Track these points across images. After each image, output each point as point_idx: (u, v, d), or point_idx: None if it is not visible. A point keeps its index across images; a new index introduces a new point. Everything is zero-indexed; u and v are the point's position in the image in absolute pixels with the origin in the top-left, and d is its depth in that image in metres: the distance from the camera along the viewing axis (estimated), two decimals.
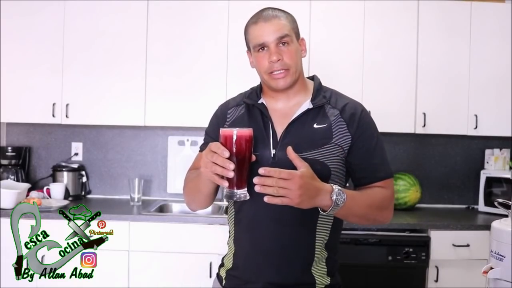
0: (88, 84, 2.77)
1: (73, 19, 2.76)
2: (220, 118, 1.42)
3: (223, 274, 1.40)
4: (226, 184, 1.14)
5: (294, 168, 1.15)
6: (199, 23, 2.76)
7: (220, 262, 1.45)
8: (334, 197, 1.15)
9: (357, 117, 1.31)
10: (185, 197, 1.42)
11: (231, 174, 1.11)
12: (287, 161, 1.19)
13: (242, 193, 1.16)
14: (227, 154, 1.11)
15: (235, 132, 1.13)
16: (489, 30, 2.78)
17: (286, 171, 1.09)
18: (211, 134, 1.41)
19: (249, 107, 1.38)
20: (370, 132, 1.33)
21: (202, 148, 1.43)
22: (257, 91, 1.40)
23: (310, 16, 2.73)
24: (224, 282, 1.39)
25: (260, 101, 1.37)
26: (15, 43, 2.77)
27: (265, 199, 1.08)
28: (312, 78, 1.42)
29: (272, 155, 1.29)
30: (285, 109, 1.35)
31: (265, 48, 1.30)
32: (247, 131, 1.15)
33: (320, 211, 1.18)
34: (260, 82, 1.41)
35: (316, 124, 1.30)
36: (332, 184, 1.17)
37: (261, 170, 1.08)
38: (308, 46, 2.72)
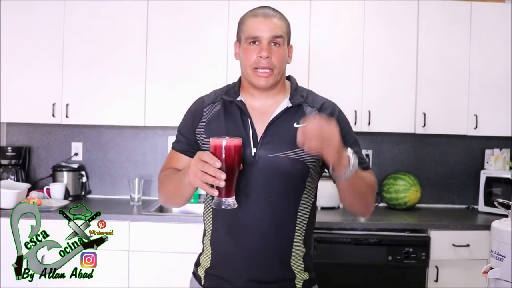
0: (88, 84, 2.77)
1: (73, 19, 2.76)
2: (196, 115, 1.39)
3: (201, 273, 1.38)
4: (216, 193, 1.15)
5: (275, 167, 1.24)
6: (199, 22, 2.76)
7: (195, 260, 1.43)
8: (352, 160, 1.17)
9: (336, 116, 1.35)
10: (160, 196, 1.42)
11: (222, 184, 1.13)
12: (268, 159, 1.26)
13: (230, 201, 1.18)
14: (219, 164, 1.12)
15: (225, 142, 1.15)
16: (489, 30, 2.78)
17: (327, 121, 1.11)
18: (185, 132, 1.40)
19: (226, 104, 1.37)
20: (348, 129, 1.38)
21: (175, 146, 1.42)
22: (234, 88, 1.39)
23: (310, 16, 2.73)
24: (203, 281, 1.38)
25: (239, 98, 1.36)
26: (15, 43, 2.76)
27: (306, 147, 1.11)
28: (288, 78, 1.43)
29: (252, 154, 1.29)
30: (263, 107, 1.35)
31: (257, 43, 1.31)
32: (237, 141, 1.17)
33: (333, 175, 1.20)
34: (239, 78, 1.41)
35: (296, 124, 1.31)
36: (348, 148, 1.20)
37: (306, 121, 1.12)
38: (308, 46, 2.77)
